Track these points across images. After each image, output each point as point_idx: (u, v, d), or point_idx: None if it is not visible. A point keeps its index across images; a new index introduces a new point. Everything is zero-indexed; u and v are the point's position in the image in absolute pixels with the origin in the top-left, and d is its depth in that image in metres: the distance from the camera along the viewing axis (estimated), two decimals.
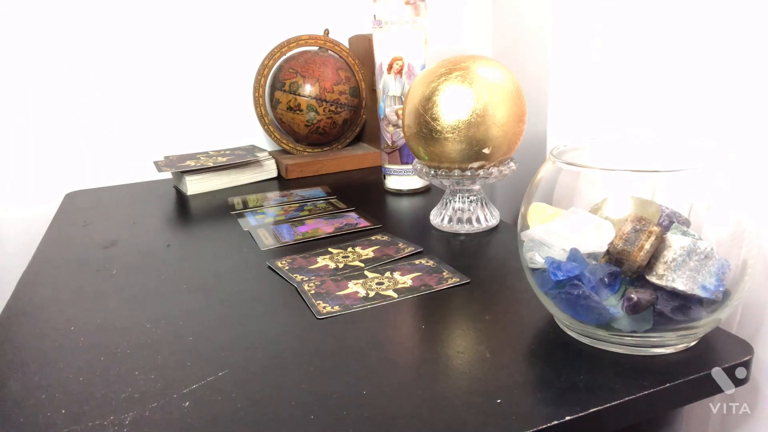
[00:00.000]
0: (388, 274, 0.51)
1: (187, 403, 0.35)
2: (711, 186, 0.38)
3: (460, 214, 0.62)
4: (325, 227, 0.64)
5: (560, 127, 0.75)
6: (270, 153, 0.90)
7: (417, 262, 0.54)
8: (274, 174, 0.89)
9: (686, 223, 0.38)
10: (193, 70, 0.92)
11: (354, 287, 0.49)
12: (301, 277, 0.52)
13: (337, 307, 0.46)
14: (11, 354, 0.43)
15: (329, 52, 0.90)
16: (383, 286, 0.49)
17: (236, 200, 0.77)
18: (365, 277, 0.51)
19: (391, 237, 0.60)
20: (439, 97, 0.56)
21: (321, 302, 0.46)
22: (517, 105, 0.57)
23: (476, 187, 0.62)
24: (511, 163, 0.61)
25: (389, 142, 0.76)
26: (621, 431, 0.37)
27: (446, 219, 0.62)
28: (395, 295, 0.48)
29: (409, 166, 0.75)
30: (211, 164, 0.82)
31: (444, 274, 0.51)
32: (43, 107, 0.86)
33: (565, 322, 0.40)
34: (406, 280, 0.50)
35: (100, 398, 0.36)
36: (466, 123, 0.55)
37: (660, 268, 0.35)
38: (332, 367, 0.38)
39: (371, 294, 0.48)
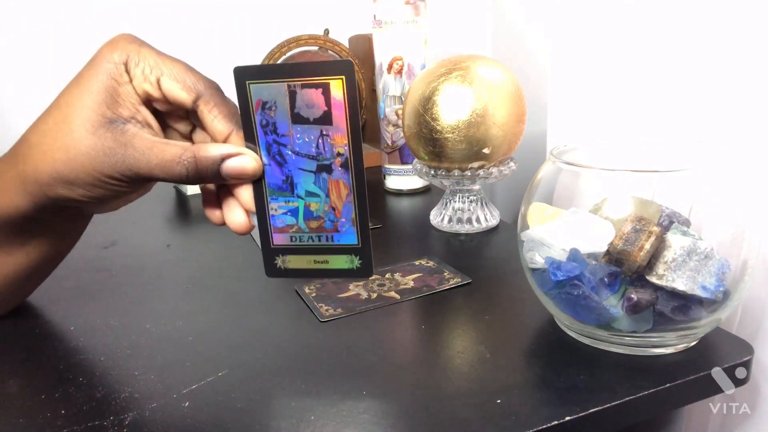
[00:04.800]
0: (388, 275, 0.51)
1: (187, 403, 0.35)
2: (711, 186, 0.38)
3: (460, 214, 0.62)
4: None
5: (560, 127, 0.75)
6: None
7: (417, 263, 0.54)
8: None
9: (686, 223, 0.38)
10: None
11: (355, 289, 0.49)
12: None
13: (340, 310, 0.46)
14: (11, 354, 0.43)
15: (329, 52, 0.90)
16: (385, 288, 0.49)
17: None
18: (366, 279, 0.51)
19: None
20: (439, 97, 0.56)
21: (323, 305, 0.46)
22: (517, 105, 0.57)
23: (476, 187, 0.62)
24: (511, 163, 0.61)
25: (389, 142, 0.76)
26: (621, 431, 0.37)
27: (446, 219, 0.62)
28: (398, 296, 0.48)
29: (409, 166, 0.75)
30: None
31: (445, 274, 0.51)
32: (43, 107, 0.86)
33: (565, 322, 0.40)
34: (407, 281, 0.50)
35: (100, 398, 0.36)
36: (466, 123, 0.55)
37: (660, 268, 0.35)
38: (332, 368, 0.38)
39: (373, 296, 0.48)
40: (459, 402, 0.34)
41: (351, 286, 0.49)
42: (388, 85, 0.73)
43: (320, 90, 0.33)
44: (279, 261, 0.37)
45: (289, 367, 0.39)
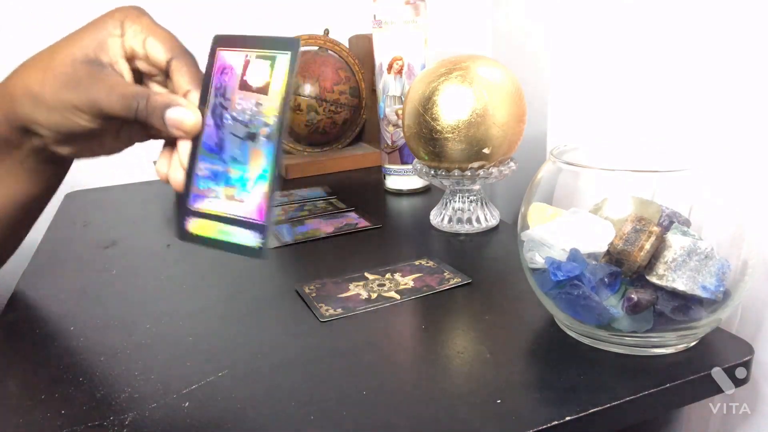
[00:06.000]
0: (389, 275, 0.51)
1: (187, 403, 0.35)
2: (711, 186, 0.38)
3: (460, 214, 0.62)
4: (325, 227, 0.64)
5: (560, 127, 0.75)
6: None
7: (417, 263, 0.54)
8: None
9: (686, 223, 0.38)
10: None
11: (355, 289, 0.49)
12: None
13: (339, 310, 0.45)
14: (11, 354, 0.43)
15: (329, 52, 0.90)
16: (385, 288, 0.49)
17: None
18: (366, 279, 0.51)
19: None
20: (439, 97, 0.56)
21: (323, 305, 0.46)
22: (517, 105, 0.57)
23: (476, 187, 0.62)
24: (511, 163, 0.61)
25: (389, 142, 0.76)
26: (621, 431, 0.37)
27: (446, 219, 0.62)
28: (398, 296, 0.48)
29: (409, 166, 0.75)
30: None
31: (445, 274, 0.51)
32: None
33: (565, 322, 0.40)
34: (407, 281, 0.50)
35: (100, 398, 0.36)
36: (466, 123, 0.55)
37: (660, 268, 0.35)
38: (332, 368, 0.38)
39: (373, 296, 0.48)
40: (459, 402, 0.34)
41: (351, 286, 0.49)
42: (388, 85, 0.73)
43: (268, 62, 0.35)
44: (190, 223, 0.38)
45: (289, 367, 0.39)
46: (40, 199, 0.48)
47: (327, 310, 0.45)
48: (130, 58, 0.40)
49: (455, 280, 0.50)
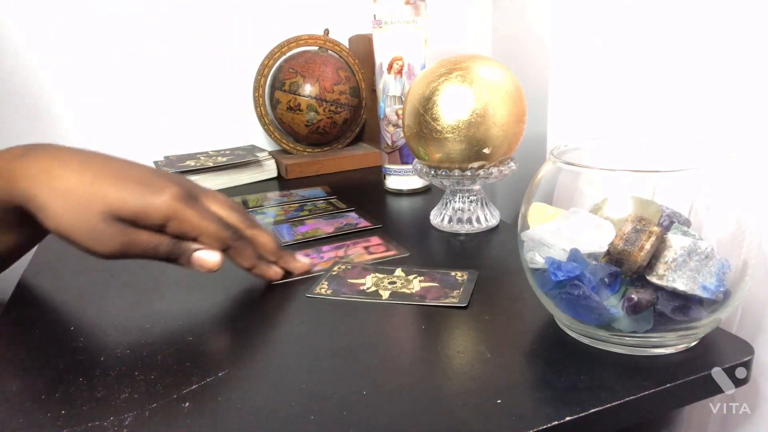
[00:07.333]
0: (389, 275, 0.51)
1: (187, 403, 0.35)
2: (711, 186, 0.38)
3: (460, 214, 0.62)
4: (325, 227, 0.64)
5: (560, 127, 0.75)
6: (270, 153, 0.91)
7: (453, 273, 0.51)
8: (274, 174, 0.89)
9: (686, 223, 0.38)
10: (193, 70, 0.92)
11: (365, 280, 0.50)
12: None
13: (330, 291, 0.47)
14: (11, 354, 0.43)
15: (329, 52, 0.90)
16: (384, 288, 0.49)
17: (236, 200, 0.77)
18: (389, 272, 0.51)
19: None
20: (439, 97, 0.56)
21: (325, 285, 0.48)
22: (517, 105, 0.57)
23: (476, 187, 0.62)
24: (511, 163, 0.61)
25: (389, 142, 0.76)
26: (621, 431, 0.37)
27: (446, 219, 0.62)
28: (397, 296, 0.47)
29: (409, 166, 0.75)
30: (211, 164, 0.82)
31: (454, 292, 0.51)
32: (41, 107, 0.86)
33: (566, 322, 0.40)
34: (407, 281, 0.50)
35: (100, 398, 0.36)
36: (466, 123, 0.55)
37: (660, 268, 0.35)
38: (332, 368, 0.38)
39: (374, 290, 0.48)
40: (459, 402, 0.34)
41: (368, 277, 0.49)
42: (388, 85, 0.73)
43: None
44: None
45: (289, 367, 0.39)
46: (22, 247, 0.52)
47: (322, 288, 0.46)
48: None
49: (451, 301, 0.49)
